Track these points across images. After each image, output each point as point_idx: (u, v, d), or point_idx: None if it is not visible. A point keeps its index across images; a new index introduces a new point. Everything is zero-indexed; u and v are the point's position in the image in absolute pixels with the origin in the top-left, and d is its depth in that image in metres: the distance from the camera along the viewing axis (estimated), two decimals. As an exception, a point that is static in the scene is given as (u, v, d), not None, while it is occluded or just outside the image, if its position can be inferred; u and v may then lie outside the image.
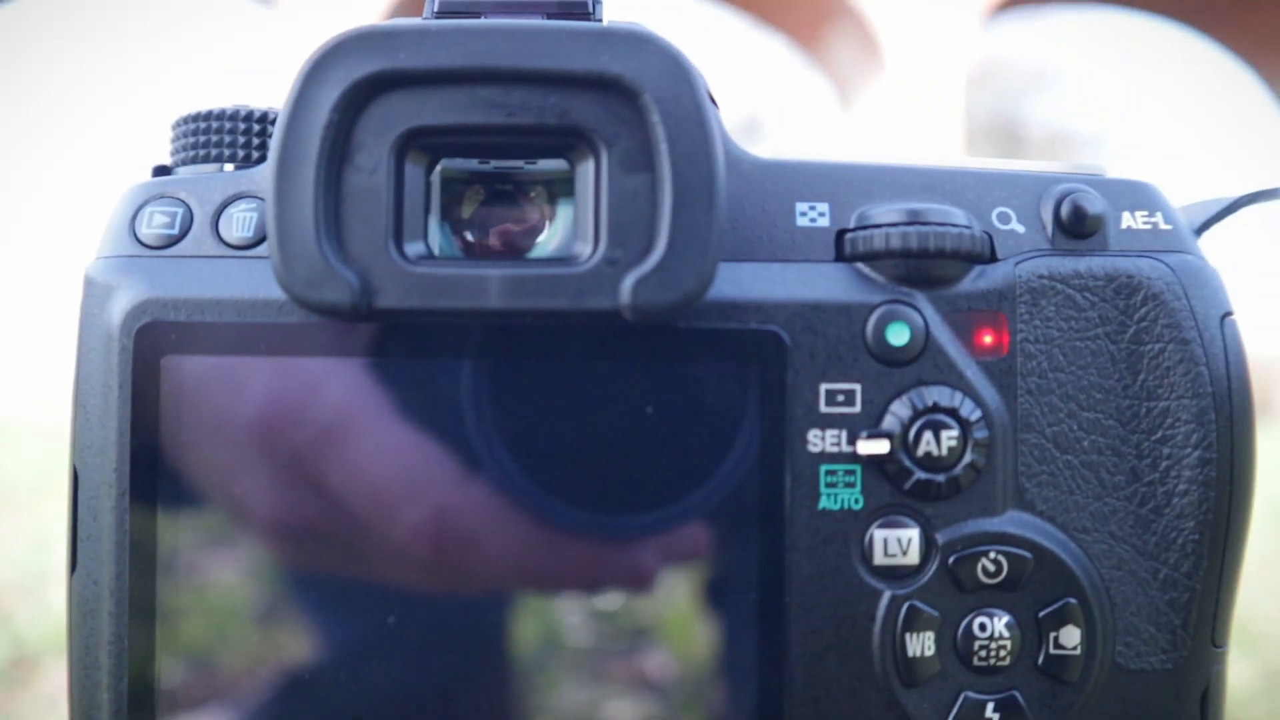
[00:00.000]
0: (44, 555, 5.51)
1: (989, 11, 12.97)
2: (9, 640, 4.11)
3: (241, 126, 0.52)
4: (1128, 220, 0.50)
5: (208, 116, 0.52)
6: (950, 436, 0.45)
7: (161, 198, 0.49)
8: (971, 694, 0.46)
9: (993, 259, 0.48)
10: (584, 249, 0.44)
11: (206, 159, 0.52)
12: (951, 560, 0.46)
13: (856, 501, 0.46)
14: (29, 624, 4.36)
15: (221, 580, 0.48)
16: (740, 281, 0.46)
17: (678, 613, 0.49)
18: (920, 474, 0.45)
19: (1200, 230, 0.53)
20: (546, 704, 0.49)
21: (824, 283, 0.47)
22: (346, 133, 0.41)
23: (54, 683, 3.83)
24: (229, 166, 0.52)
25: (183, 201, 0.49)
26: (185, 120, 0.53)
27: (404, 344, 0.47)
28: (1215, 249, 0.53)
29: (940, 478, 0.45)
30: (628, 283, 0.41)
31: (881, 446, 0.44)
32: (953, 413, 0.45)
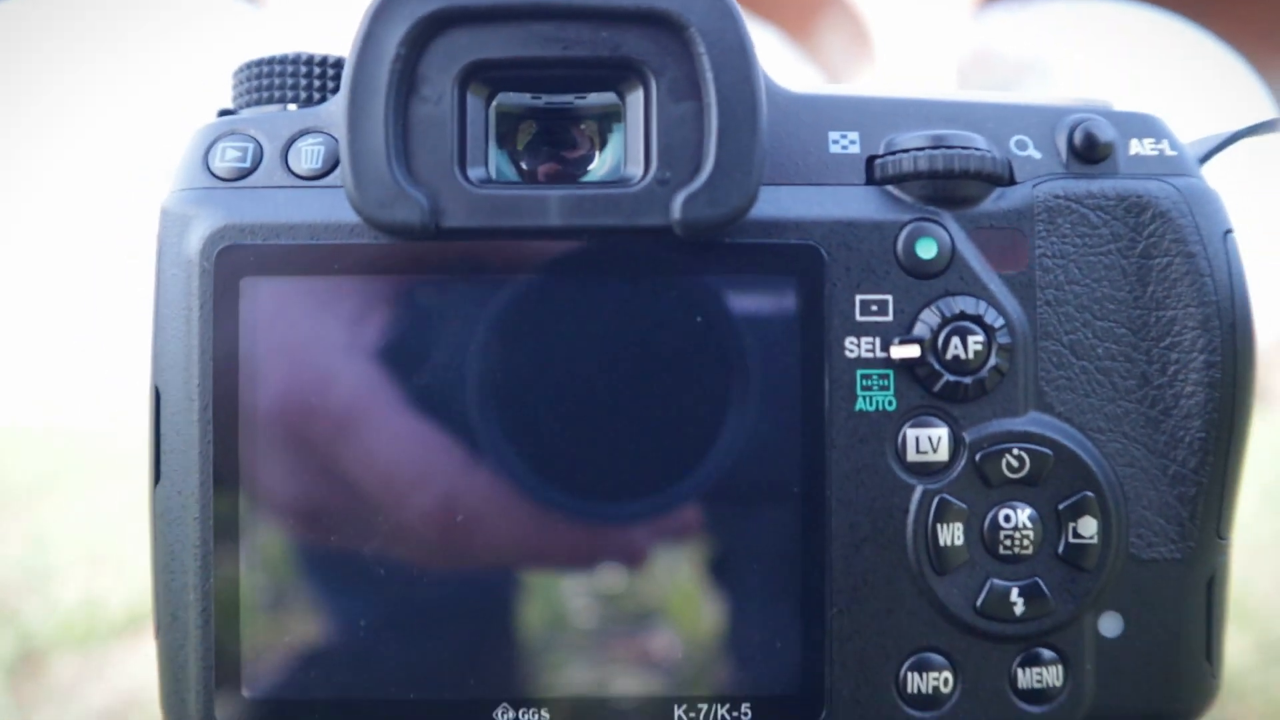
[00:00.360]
0: (46, 555, 5.52)
1: (979, 2, 12.99)
2: (17, 636, 4.13)
3: (303, 70, 0.55)
4: (1136, 147, 0.53)
5: (270, 61, 0.55)
6: (976, 341, 0.48)
7: (232, 134, 0.52)
8: (997, 581, 0.49)
9: (1012, 182, 0.52)
10: (635, 171, 0.48)
11: (270, 100, 0.55)
12: (978, 457, 0.49)
13: (890, 403, 0.49)
14: (35, 621, 4.37)
15: (300, 487, 0.51)
16: (779, 202, 0.50)
17: (727, 509, 0.52)
18: (949, 376, 0.48)
19: (1203, 160, 0.57)
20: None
21: (856, 203, 0.51)
22: (413, 66, 0.45)
23: (61, 677, 3.85)
24: (291, 107, 0.55)
25: (252, 137, 0.52)
26: (248, 66, 0.56)
27: (466, 263, 0.50)
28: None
29: (967, 380, 0.48)
30: (678, 200, 0.45)
31: (913, 351, 0.48)
32: (978, 320, 0.48)
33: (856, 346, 0.49)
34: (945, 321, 0.48)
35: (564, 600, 0.52)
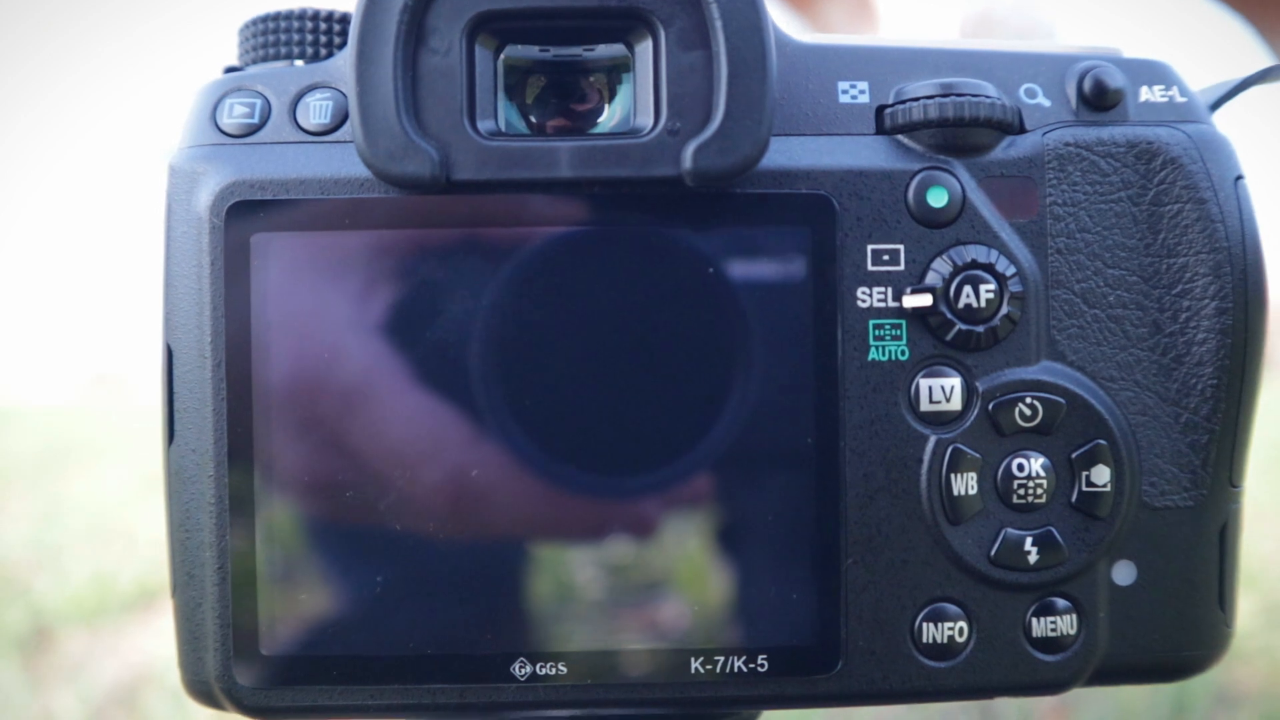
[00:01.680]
0: (55, 531, 5.54)
1: (981, -31, 12.82)
2: (30, 612, 4.15)
3: (309, 25, 0.54)
4: (1146, 94, 0.53)
5: (276, 18, 0.55)
6: (988, 290, 0.48)
7: (239, 90, 0.52)
8: (1011, 530, 0.49)
9: (1022, 130, 0.51)
10: (645, 122, 0.48)
11: (277, 56, 0.55)
12: (991, 406, 0.49)
13: (903, 353, 0.49)
14: (46, 597, 4.40)
15: (314, 445, 0.51)
16: (789, 152, 0.50)
17: (741, 466, 0.52)
18: (961, 325, 0.48)
19: (1213, 107, 0.57)
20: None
21: (867, 153, 0.50)
22: (421, 16, 0.45)
23: (73, 652, 3.88)
24: (299, 63, 0.54)
25: (260, 93, 0.52)
26: (254, 22, 0.55)
27: (477, 216, 0.50)
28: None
29: (979, 328, 0.48)
30: (689, 150, 0.45)
31: (925, 300, 0.48)
32: (989, 268, 0.48)
33: (868, 296, 0.49)
34: (957, 270, 0.48)
35: (575, 573, 0.52)
